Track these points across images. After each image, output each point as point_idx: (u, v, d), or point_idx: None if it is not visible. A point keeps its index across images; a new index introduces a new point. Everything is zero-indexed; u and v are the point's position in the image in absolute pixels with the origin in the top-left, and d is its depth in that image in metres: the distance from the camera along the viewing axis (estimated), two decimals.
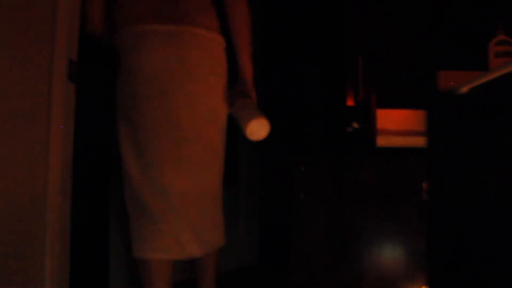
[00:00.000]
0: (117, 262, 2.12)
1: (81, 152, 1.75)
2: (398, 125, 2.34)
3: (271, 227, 3.37)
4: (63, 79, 1.47)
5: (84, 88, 1.72)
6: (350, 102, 2.90)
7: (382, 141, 2.31)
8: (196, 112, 1.62)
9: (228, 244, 2.97)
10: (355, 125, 2.57)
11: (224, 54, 1.71)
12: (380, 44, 2.81)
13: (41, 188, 1.40)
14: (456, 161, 1.78)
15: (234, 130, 3.12)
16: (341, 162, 2.23)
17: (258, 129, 1.55)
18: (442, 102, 1.89)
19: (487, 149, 1.58)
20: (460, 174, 1.75)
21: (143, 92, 1.58)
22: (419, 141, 2.24)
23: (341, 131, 2.84)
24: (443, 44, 2.73)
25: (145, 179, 1.60)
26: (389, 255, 2.17)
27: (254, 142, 2.44)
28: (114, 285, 2.12)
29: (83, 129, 1.74)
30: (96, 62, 2.03)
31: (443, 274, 1.85)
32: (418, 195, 2.16)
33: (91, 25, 1.70)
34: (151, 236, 1.60)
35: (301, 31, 3.61)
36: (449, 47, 2.71)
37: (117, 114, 1.68)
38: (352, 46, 2.89)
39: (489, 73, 1.58)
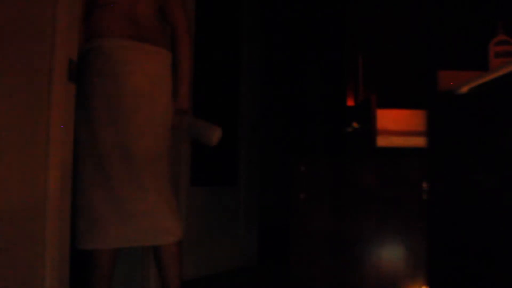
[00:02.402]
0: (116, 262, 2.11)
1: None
2: (398, 125, 2.34)
3: (271, 227, 3.37)
4: (63, 79, 1.47)
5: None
6: (350, 102, 2.90)
7: (382, 141, 2.31)
8: (163, 121, 1.86)
9: (228, 244, 2.98)
10: (355, 125, 2.56)
11: None
12: (380, 44, 2.81)
13: (41, 188, 1.40)
14: (456, 161, 1.78)
15: (234, 131, 3.12)
16: (341, 162, 2.23)
17: (217, 138, 1.90)
18: (442, 102, 1.89)
19: (487, 149, 1.58)
20: (460, 174, 1.75)
21: (129, 101, 1.77)
22: (419, 141, 2.24)
23: (341, 131, 2.84)
24: (443, 44, 2.73)
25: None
26: (389, 255, 2.17)
27: (254, 142, 2.40)
28: (114, 285, 2.12)
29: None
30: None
31: (443, 274, 1.85)
32: (418, 195, 2.16)
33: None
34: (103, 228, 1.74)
35: (301, 31, 3.61)
36: (449, 47, 2.71)
37: (92, 113, 1.77)
38: (352, 45, 2.89)
39: (489, 73, 1.58)
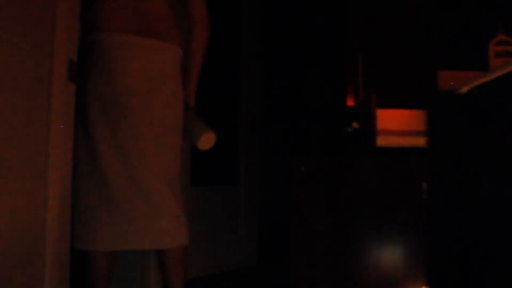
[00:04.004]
0: (117, 262, 2.12)
1: None
2: (398, 125, 2.34)
3: (271, 227, 3.37)
4: (63, 79, 1.47)
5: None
6: (350, 102, 2.90)
7: (382, 141, 2.31)
8: (164, 120, 1.78)
9: (228, 244, 2.98)
10: (355, 125, 2.57)
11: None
12: (380, 43, 2.81)
13: (41, 188, 1.40)
14: (456, 161, 1.78)
15: (234, 131, 3.12)
16: (341, 162, 2.23)
17: (207, 142, 1.80)
18: (442, 102, 1.89)
19: (487, 149, 1.58)
20: (460, 174, 1.75)
21: (123, 100, 1.71)
22: (419, 141, 2.24)
23: (341, 131, 2.84)
24: (443, 44, 2.72)
25: (124, 177, 1.72)
26: (389, 255, 2.17)
27: (254, 142, 2.40)
28: (114, 285, 2.12)
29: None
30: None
31: (443, 274, 1.85)
32: (418, 195, 2.16)
33: None
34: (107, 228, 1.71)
35: (301, 31, 3.61)
36: (449, 47, 2.71)
37: (87, 112, 1.72)
38: (351, 45, 2.89)
39: (489, 73, 1.58)
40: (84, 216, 1.70)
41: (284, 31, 3.61)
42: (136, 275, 2.25)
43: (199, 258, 2.72)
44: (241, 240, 3.05)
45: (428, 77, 2.14)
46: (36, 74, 1.38)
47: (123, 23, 1.71)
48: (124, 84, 1.69)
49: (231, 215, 3.01)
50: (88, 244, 1.71)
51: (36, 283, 1.38)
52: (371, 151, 2.32)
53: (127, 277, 2.22)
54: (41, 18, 1.40)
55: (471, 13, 2.66)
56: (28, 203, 1.35)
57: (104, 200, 1.70)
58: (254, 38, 3.23)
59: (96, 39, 1.70)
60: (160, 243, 1.75)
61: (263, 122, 3.33)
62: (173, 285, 1.80)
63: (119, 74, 1.69)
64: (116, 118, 1.69)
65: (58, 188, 1.45)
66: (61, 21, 1.45)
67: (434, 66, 2.26)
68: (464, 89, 1.76)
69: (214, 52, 2.95)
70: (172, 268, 1.79)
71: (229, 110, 3.09)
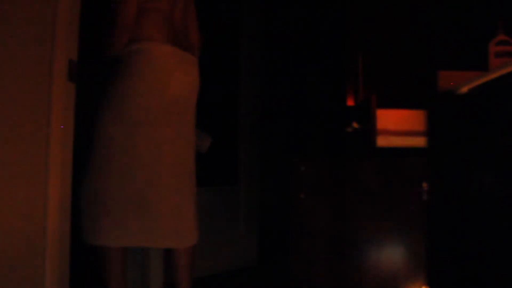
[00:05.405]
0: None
1: (81, 152, 1.75)
2: (398, 125, 2.34)
3: (271, 227, 3.37)
4: (63, 79, 1.47)
5: (84, 88, 1.72)
6: (350, 102, 2.90)
7: (382, 141, 2.31)
8: (192, 127, 1.95)
9: (228, 244, 2.98)
10: (355, 125, 2.57)
11: None
12: (380, 43, 2.81)
13: (41, 187, 1.40)
14: (456, 161, 1.78)
15: (234, 131, 3.12)
16: (341, 162, 2.23)
17: (207, 146, 2.10)
18: (442, 102, 1.89)
19: (487, 149, 1.58)
20: (460, 174, 1.75)
21: (169, 106, 1.82)
22: (419, 141, 2.24)
23: (341, 131, 2.84)
24: (443, 44, 2.73)
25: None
26: (389, 255, 2.17)
27: (254, 142, 2.40)
28: None
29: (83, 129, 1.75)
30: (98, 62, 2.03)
31: (443, 274, 1.85)
32: (418, 195, 2.16)
33: (124, 30, 1.76)
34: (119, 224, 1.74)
35: (301, 31, 3.61)
36: (449, 47, 2.71)
37: (132, 113, 1.76)
38: (352, 45, 2.89)
39: (489, 73, 1.58)
40: (114, 213, 1.72)
41: (284, 31, 3.61)
42: (136, 274, 2.25)
43: (199, 258, 2.72)
44: (241, 240, 3.05)
45: (428, 77, 2.14)
46: (36, 74, 1.38)
47: (165, 36, 1.85)
48: (170, 91, 1.81)
49: (231, 215, 3.01)
50: (117, 240, 1.73)
51: (36, 283, 1.38)
52: (371, 151, 2.32)
53: (127, 276, 2.22)
54: (41, 18, 1.40)
55: (471, 13, 2.66)
56: (28, 203, 1.35)
57: (135, 198, 1.73)
58: (254, 38, 3.23)
59: (147, 48, 1.78)
60: (181, 242, 1.82)
61: (263, 122, 3.33)
62: (184, 283, 1.87)
63: (167, 83, 1.81)
64: (160, 122, 1.79)
65: (58, 188, 1.45)
66: (61, 21, 1.46)
67: (434, 66, 2.26)
68: (464, 89, 1.76)
69: (214, 52, 2.96)
70: (185, 266, 1.86)
71: (229, 110, 3.09)
